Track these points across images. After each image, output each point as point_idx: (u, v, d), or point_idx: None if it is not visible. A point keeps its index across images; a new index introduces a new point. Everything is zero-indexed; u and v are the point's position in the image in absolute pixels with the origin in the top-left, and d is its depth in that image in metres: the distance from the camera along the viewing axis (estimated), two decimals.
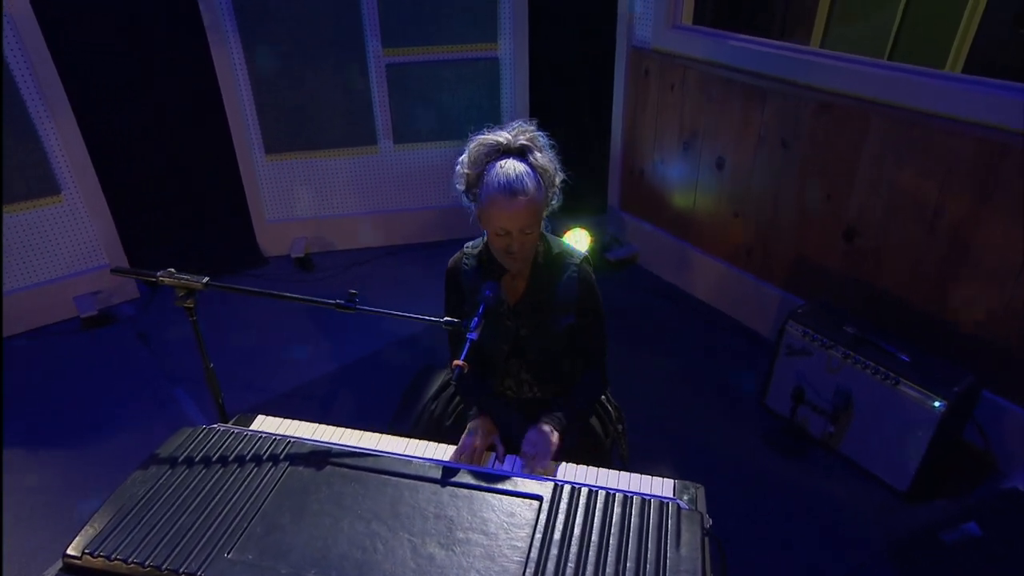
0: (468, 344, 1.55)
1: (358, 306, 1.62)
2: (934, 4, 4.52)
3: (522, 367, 1.91)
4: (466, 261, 1.85)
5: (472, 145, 1.66)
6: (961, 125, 2.36)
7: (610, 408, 2.04)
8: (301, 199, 3.96)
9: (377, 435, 1.75)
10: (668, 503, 1.41)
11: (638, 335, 3.37)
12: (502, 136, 1.65)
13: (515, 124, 1.67)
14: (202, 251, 3.92)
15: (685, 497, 1.52)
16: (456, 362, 1.52)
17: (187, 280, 1.63)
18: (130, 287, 3.67)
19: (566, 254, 1.81)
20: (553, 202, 1.74)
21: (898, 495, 2.49)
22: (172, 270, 1.64)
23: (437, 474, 1.48)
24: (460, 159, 1.70)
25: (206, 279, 1.64)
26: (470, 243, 1.88)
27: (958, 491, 2.49)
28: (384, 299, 3.65)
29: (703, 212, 3.49)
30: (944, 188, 2.47)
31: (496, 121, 3.89)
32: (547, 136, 1.71)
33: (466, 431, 1.72)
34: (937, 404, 2.31)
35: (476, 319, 1.59)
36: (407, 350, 3.29)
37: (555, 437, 1.68)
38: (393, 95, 3.78)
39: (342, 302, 1.62)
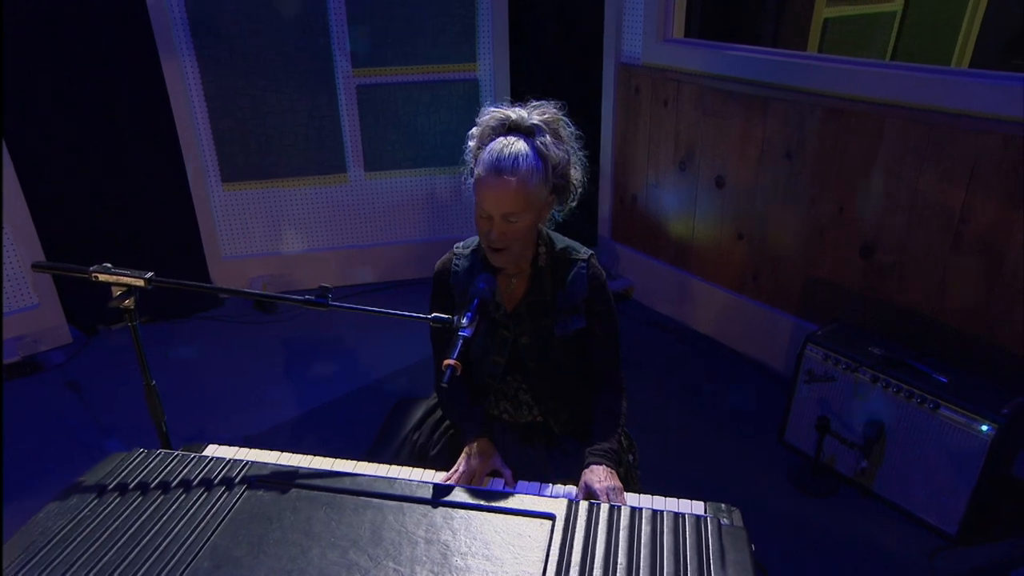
0: (460, 342, 1.41)
1: (331, 303, 1.48)
2: (927, 34, 4.68)
3: (521, 385, 1.77)
4: (457, 262, 1.73)
5: (483, 117, 1.59)
6: (985, 122, 2.34)
7: (621, 437, 1.89)
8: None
9: (352, 462, 1.57)
10: (705, 519, 1.25)
11: (637, 374, 3.23)
12: (515, 112, 1.57)
13: (539, 103, 1.60)
14: (158, 295, 3.73)
15: (725, 520, 1.36)
16: (448, 361, 1.37)
17: (127, 276, 1.48)
18: (61, 331, 3.45)
19: (572, 249, 1.72)
20: (572, 202, 1.66)
21: (947, 538, 2.33)
22: (108, 265, 1.49)
23: (427, 494, 1.31)
24: (471, 132, 1.62)
25: (150, 274, 1.49)
26: (461, 243, 1.77)
27: (1015, 532, 2.34)
28: (353, 342, 3.52)
29: (703, 236, 3.43)
30: (970, 191, 2.43)
31: None
32: (574, 125, 1.63)
33: (463, 453, 1.55)
34: (985, 429, 2.19)
35: (469, 313, 1.46)
36: (381, 392, 3.11)
37: (611, 471, 1.54)
38: (364, 119, 3.72)
39: (312, 298, 1.48)
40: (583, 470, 1.52)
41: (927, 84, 2.48)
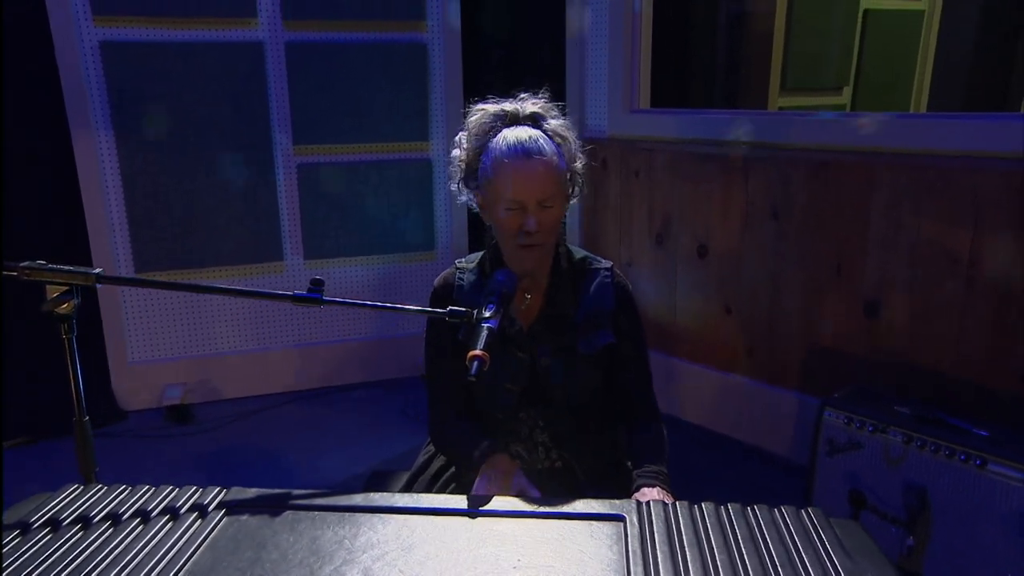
0: (485, 333, 1.31)
1: (325, 298, 1.37)
2: (884, 75, 5.10)
3: (537, 423, 1.65)
4: (461, 276, 1.67)
5: (472, 117, 1.62)
6: (981, 161, 2.50)
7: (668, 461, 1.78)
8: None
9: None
10: (807, 509, 1.14)
11: None
12: (508, 105, 1.61)
13: (525, 95, 1.64)
14: (30, 406, 3.40)
15: None
16: (474, 352, 1.27)
17: (70, 271, 1.33)
18: None
19: (592, 259, 1.72)
20: (575, 196, 1.66)
21: None
22: (43, 262, 1.35)
23: (462, 504, 1.16)
24: (457, 138, 1.65)
25: (99, 270, 1.35)
26: (463, 259, 1.74)
27: None
28: (289, 454, 3.26)
29: (687, 314, 3.44)
30: (977, 231, 2.54)
31: (429, 235, 3.89)
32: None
33: (479, 474, 1.40)
34: None
35: (493, 305, 1.38)
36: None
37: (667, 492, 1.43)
38: (305, 201, 3.69)
39: (303, 294, 1.37)
40: (633, 495, 1.39)
41: (919, 128, 2.66)
